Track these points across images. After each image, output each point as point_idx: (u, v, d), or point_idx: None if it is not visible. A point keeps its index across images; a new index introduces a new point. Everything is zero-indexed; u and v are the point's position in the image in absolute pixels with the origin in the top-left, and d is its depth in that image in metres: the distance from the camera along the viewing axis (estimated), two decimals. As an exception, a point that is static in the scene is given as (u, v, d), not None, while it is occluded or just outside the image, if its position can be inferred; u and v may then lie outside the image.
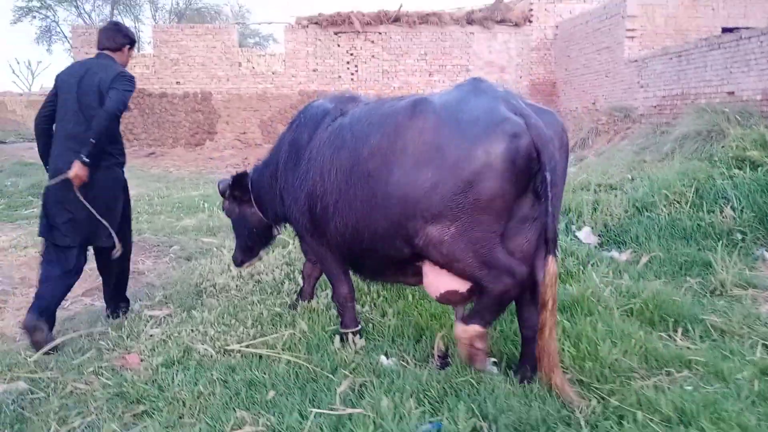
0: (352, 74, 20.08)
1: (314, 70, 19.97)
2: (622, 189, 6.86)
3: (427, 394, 2.78)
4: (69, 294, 4.82)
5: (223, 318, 3.99)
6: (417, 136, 2.69)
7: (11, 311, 4.69)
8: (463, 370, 2.98)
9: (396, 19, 19.77)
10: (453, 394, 2.78)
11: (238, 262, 4.43)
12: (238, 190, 4.15)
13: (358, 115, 3.16)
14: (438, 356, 3.22)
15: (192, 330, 3.80)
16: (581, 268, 4.73)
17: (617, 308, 3.85)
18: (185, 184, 11.70)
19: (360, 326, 3.61)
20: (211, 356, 3.43)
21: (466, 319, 2.83)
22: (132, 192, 11.30)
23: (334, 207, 3.06)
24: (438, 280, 2.82)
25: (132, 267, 5.52)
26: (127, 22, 34.95)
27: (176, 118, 19.72)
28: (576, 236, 5.45)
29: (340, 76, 20.05)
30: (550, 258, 2.61)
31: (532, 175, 2.53)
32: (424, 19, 19.87)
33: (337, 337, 3.47)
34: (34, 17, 33.48)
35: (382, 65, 20.07)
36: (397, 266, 3.02)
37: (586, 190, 6.99)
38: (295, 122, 3.77)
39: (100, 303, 4.74)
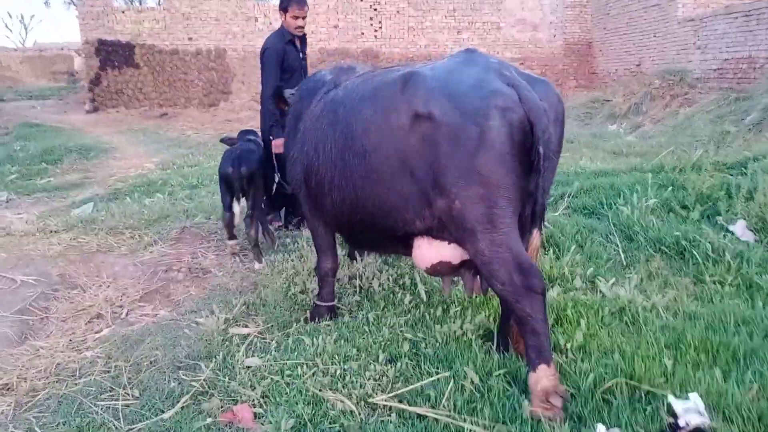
0: (376, 31, 18.83)
1: (335, 26, 18.70)
2: (747, 170, 5.93)
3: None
4: (125, 299, 3.97)
5: (340, 345, 3.09)
6: (409, 110, 2.60)
7: (56, 323, 3.77)
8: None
9: (424, -28, 18.42)
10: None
11: None
12: None
13: (350, 88, 3.11)
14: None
15: (307, 364, 2.89)
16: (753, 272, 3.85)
17: None
18: (210, 150, 10.67)
19: (334, 302, 3.59)
20: (352, 413, 2.53)
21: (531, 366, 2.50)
22: (155, 159, 10.34)
23: (330, 182, 3.05)
24: (431, 252, 2.78)
25: (194, 262, 4.62)
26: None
27: (189, 76, 18.49)
28: (729, 230, 4.56)
29: (362, 33, 18.79)
30: (536, 231, 2.63)
31: (527, 148, 2.41)
32: (454, -29, 18.53)
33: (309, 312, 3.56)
34: (30, -34, 31.66)
35: (408, 21, 18.80)
36: (399, 239, 2.91)
37: (697, 170, 6.06)
38: (297, 93, 3.83)
39: (163, 311, 3.84)
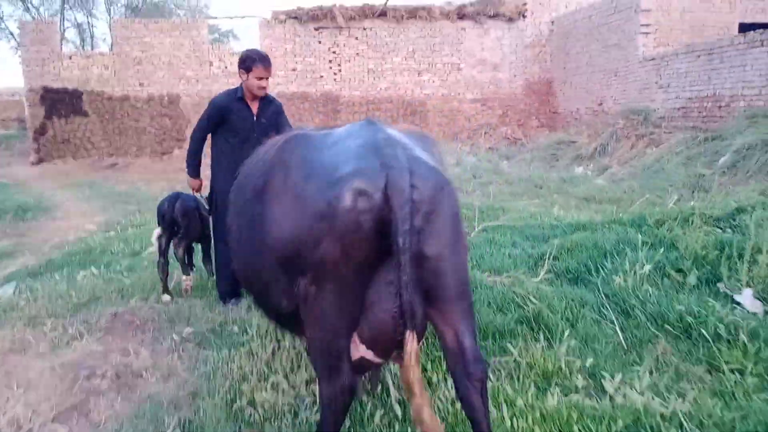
0: (335, 74, 18.45)
1: (293, 70, 18.27)
2: (735, 222, 5.52)
3: None
4: (35, 419, 3.25)
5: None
6: (282, 178, 2.46)
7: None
8: None
9: (382, 14, 18.21)
10: None
11: None
12: None
13: (259, 150, 2.99)
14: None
15: None
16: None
17: None
18: (160, 206, 9.93)
19: None
20: None
21: None
22: (99, 218, 9.55)
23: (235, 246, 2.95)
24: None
25: (123, 363, 3.90)
26: (80, 17, 32.46)
27: (140, 123, 17.74)
28: (736, 301, 4.09)
29: (321, 76, 18.39)
30: (408, 334, 2.16)
31: (384, 238, 2.14)
32: (413, 13, 18.38)
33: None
34: (-25, 13, 30.59)
35: (368, 64, 18.49)
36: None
37: (682, 224, 5.63)
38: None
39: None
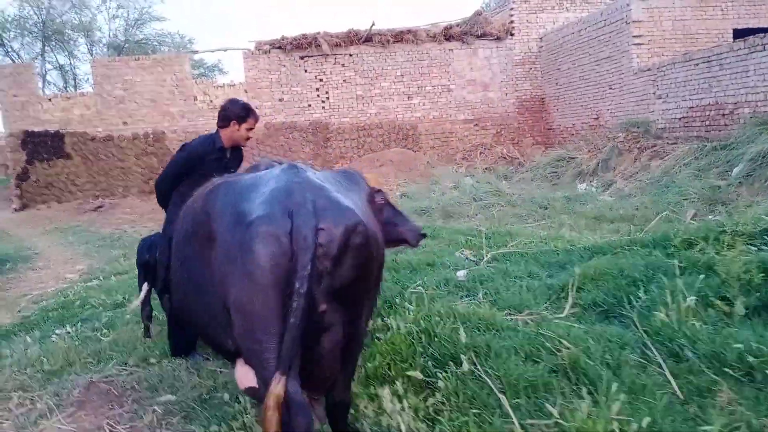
0: (323, 102, 18.07)
1: (280, 100, 17.87)
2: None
3: None
4: None
5: None
6: (206, 226, 2.54)
7: None
8: None
9: (368, 39, 17.91)
10: None
11: None
12: None
13: (193, 197, 3.02)
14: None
15: None
16: None
17: None
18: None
19: None
20: None
21: None
22: (81, 266, 8.99)
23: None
24: (242, 373, 2.53)
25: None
26: (61, 58, 32.10)
27: (126, 163, 17.23)
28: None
29: (310, 105, 18.00)
30: (277, 375, 2.10)
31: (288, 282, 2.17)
32: (399, 37, 18.10)
33: None
34: (-46, 58, 30.15)
35: (356, 90, 18.13)
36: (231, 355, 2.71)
37: (719, 243, 5.14)
38: None
39: None
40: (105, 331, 5.34)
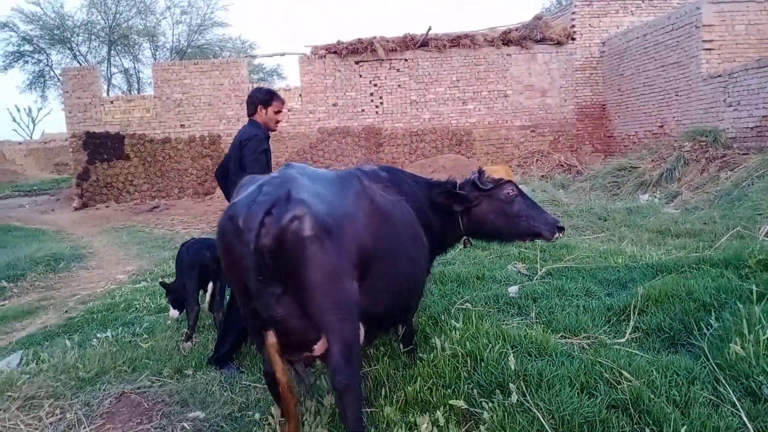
0: (377, 107, 17.91)
1: (334, 105, 17.80)
2: None
3: None
4: None
5: None
6: None
7: None
8: None
9: (424, 44, 17.65)
10: None
11: None
12: None
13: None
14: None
15: None
16: None
17: None
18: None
19: None
20: None
21: None
22: (131, 267, 9.07)
23: None
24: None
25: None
26: (126, 62, 33.11)
27: (182, 165, 17.51)
28: None
29: (363, 110, 17.87)
30: (266, 332, 2.70)
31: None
32: (455, 42, 17.76)
33: None
34: (26, 62, 31.44)
35: (410, 95, 17.90)
36: None
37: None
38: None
39: None
40: (145, 336, 5.26)
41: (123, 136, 17.23)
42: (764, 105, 11.32)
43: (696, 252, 6.51)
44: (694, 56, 13.49)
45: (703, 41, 13.18)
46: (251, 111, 4.70)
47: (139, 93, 30.75)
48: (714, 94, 12.85)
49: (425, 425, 3.06)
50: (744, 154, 11.28)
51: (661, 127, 15.14)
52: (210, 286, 5.14)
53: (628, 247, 7.36)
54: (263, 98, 4.69)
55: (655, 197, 11.13)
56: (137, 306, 6.53)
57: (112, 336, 5.27)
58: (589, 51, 18.09)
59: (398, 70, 17.81)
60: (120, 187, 17.33)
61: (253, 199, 2.64)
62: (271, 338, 2.68)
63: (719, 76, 12.66)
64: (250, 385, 3.95)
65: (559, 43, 17.95)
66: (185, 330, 5.00)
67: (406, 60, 17.80)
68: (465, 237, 4.06)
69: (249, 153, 4.44)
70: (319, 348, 2.78)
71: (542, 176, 15.45)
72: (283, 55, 19.99)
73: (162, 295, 6.75)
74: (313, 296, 2.61)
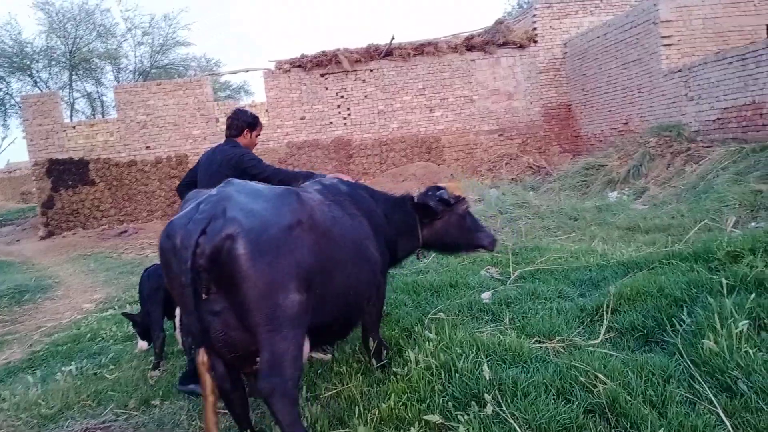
0: (345, 118, 17.85)
1: (302, 118, 17.70)
2: None
3: None
4: None
5: None
6: None
7: None
8: None
9: (388, 54, 17.66)
10: None
11: None
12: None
13: None
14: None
15: None
16: None
17: None
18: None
19: None
20: None
21: None
22: (99, 295, 8.84)
23: None
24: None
25: None
26: (88, 86, 32.54)
27: (149, 187, 17.22)
28: None
29: (331, 122, 17.79)
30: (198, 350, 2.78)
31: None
32: (419, 50, 17.81)
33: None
34: (-16, 90, 30.67)
35: (377, 105, 17.87)
36: None
37: (764, 256, 4.68)
38: None
39: None
40: (111, 367, 5.09)
41: (87, 162, 16.90)
42: (725, 97, 11.49)
43: (666, 247, 6.53)
44: (654, 52, 13.69)
45: (662, 37, 13.37)
46: (236, 132, 4.74)
47: (103, 117, 30.29)
48: (675, 88, 13.04)
49: (400, 443, 2.97)
50: (708, 146, 11.43)
51: (626, 124, 15.31)
52: (178, 311, 4.97)
53: (599, 245, 7.36)
54: (251, 122, 4.78)
55: (624, 194, 11.22)
56: (104, 335, 6.33)
57: (77, 369, 5.08)
58: (551, 53, 18.27)
59: (364, 80, 17.79)
60: (87, 214, 16.98)
61: (189, 218, 2.70)
62: (202, 356, 2.76)
63: (679, 70, 12.86)
64: (219, 412, 3.81)
65: (521, 47, 18.09)
66: (152, 358, 4.84)
67: (371, 70, 17.78)
68: (419, 249, 4.36)
69: (257, 163, 4.54)
70: None
71: (512, 179, 15.51)
72: (248, 71, 19.79)
73: (129, 323, 6.57)
74: (248, 311, 2.69)
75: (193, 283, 2.59)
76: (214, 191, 2.90)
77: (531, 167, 16.79)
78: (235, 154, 4.55)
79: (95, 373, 4.94)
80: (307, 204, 3.12)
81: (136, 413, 3.94)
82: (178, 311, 5.01)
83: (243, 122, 4.75)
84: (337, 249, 3.18)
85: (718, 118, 11.71)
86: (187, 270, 2.57)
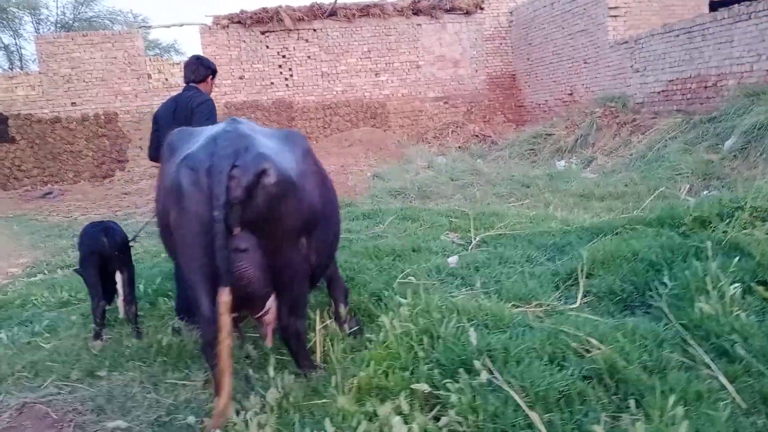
0: (286, 79, 17.21)
1: (241, 78, 16.94)
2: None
3: None
4: None
5: None
6: (164, 161, 3.12)
7: None
8: None
9: (332, 13, 17.06)
10: None
11: None
12: None
13: None
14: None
15: None
16: None
17: None
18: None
19: None
20: None
21: None
22: (25, 259, 8.16)
23: None
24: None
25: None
26: (5, 38, 30.27)
27: (75, 146, 16.12)
28: None
29: (272, 83, 17.12)
30: (220, 289, 2.61)
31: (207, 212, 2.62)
32: (365, 11, 17.29)
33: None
34: None
35: (321, 67, 17.31)
36: None
37: (735, 220, 4.66)
38: None
39: None
40: (46, 335, 4.59)
41: (6, 117, 15.62)
42: (670, 69, 11.65)
43: (625, 214, 6.52)
44: (601, 23, 13.74)
45: (609, 8, 13.41)
46: (201, 77, 4.58)
47: (22, 70, 28.23)
48: (621, 60, 13.15)
49: (389, 414, 2.71)
50: (652, 118, 11.60)
51: (571, 94, 15.42)
52: (118, 276, 4.47)
53: (557, 211, 7.30)
54: (214, 69, 4.70)
55: (572, 163, 11.27)
56: (35, 302, 5.76)
57: (7, 337, 4.57)
58: (498, 20, 18.15)
59: (307, 40, 17.16)
60: (6, 173, 15.75)
61: (211, 151, 2.60)
62: (226, 295, 2.62)
63: (626, 42, 12.96)
64: (176, 383, 3.46)
65: (468, 13, 17.86)
66: (93, 326, 4.37)
67: (314, 30, 17.16)
68: None
69: (203, 117, 4.25)
70: (270, 303, 2.90)
71: (459, 147, 15.41)
72: (182, 25, 18.80)
73: (63, 287, 6.02)
74: (279, 250, 2.71)
75: (225, 219, 2.52)
76: (225, 127, 2.82)
77: (477, 135, 16.72)
78: (194, 100, 4.36)
79: (29, 342, 4.44)
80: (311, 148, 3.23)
81: (81, 385, 3.52)
82: (119, 279, 4.51)
83: (207, 68, 4.63)
84: (331, 194, 3.39)
85: (663, 90, 11.88)
86: (219, 205, 2.50)
